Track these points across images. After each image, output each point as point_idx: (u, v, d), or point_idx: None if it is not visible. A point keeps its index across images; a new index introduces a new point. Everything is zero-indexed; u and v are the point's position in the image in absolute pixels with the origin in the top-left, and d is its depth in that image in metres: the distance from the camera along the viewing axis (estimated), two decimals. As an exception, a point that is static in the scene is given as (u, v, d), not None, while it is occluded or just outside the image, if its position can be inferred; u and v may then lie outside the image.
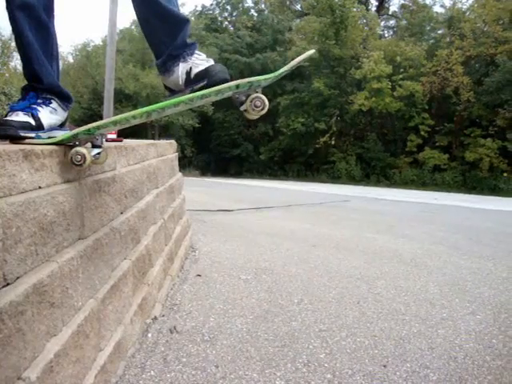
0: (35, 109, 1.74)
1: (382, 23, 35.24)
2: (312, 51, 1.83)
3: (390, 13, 35.88)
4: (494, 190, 22.41)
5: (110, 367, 1.68)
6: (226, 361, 1.98)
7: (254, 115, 1.57)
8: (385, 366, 2.02)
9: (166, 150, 3.84)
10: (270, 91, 31.03)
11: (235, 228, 5.52)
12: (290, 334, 2.33)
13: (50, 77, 1.83)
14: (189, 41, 1.89)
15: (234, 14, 40.96)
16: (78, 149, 1.52)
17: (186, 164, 29.08)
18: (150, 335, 2.20)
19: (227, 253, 4.12)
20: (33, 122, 1.68)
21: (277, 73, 1.62)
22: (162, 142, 3.87)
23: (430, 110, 25.90)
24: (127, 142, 2.92)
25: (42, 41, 1.78)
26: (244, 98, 1.57)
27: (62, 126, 1.89)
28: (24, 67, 1.82)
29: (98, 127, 1.62)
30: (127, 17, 37.88)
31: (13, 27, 1.75)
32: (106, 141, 2.95)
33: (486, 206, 12.62)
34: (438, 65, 25.01)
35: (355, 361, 2.06)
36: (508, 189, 22.51)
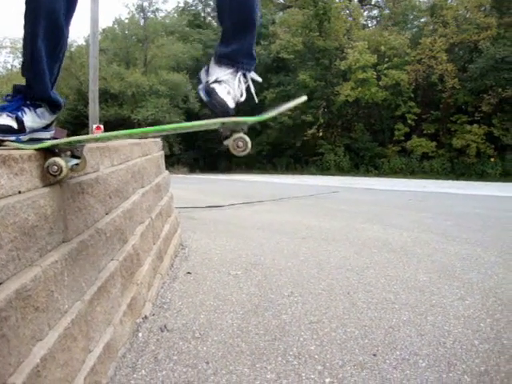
0: (21, 111, 1.71)
1: (365, 13, 35.27)
2: (304, 98, 1.80)
3: (372, 2, 35.88)
4: (482, 176, 22.60)
5: (100, 368, 1.67)
6: (217, 357, 1.99)
7: (235, 153, 1.56)
8: (375, 355, 2.04)
9: (151, 149, 3.83)
10: (257, 85, 30.90)
11: (225, 224, 5.52)
12: (281, 328, 2.34)
13: (43, 85, 1.77)
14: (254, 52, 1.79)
15: (218, 9, 40.74)
16: (56, 159, 1.51)
17: (174, 162, 28.95)
18: (140, 335, 2.20)
19: (217, 249, 4.12)
20: (15, 126, 1.66)
21: (264, 117, 1.61)
22: (147, 140, 3.85)
23: (415, 98, 26.00)
24: (111, 142, 2.91)
25: (53, 42, 1.73)
26: (229, 133, 1.57)
27: (47, 127, 1.86)
28: (22, 66, 1.77)
29: (80, 141, 1.61)
30: (109, 16, 37.52)
31: (27, 26, 1.69)
32: (89, 142, 2.94)
33: (474, 191, 12.73)
34: (422, 53, 25.09)
35: (345, 351, 2.07)
36: (495, 174, 22.71)
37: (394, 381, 1.81)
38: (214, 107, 1.63)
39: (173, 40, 31.44)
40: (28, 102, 1.74)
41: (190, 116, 30.80)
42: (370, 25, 34.96)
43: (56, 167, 1.50)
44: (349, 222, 5.90)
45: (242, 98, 1.72)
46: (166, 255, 3.47)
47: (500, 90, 22.51)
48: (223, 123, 1.56)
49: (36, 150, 1.52)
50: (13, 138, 1.61)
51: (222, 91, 1.65)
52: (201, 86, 1.72)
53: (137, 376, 1.80)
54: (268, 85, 29.43)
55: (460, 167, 23.95)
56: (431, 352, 2.08)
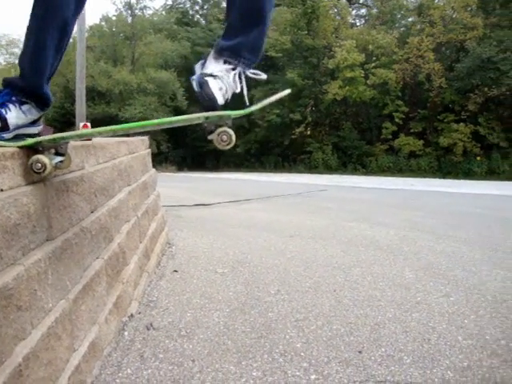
0: (6, 107, 1.67)
1: (354, 12, 35.37)
2: (287, 91, 1.82)
3: (360, 1, 35.99)
4: (469, 174, 22.80)
5: (85, 367, 1.67)
6: (203, 355, 1.99)
7: (220, 147, 1.57)
8: (360, 352, 2.05)
9: (138, 147, 3.82)
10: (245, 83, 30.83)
11: (212, 222, 5.51)
12: (267, 325, 2.34)
13: (40, 80, 1.72)
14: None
15: (206, 7, 40.67)
16: (39, 157, 1.50)
17: (162, 160, 28.85)
18: (126, 333, 2.19)
19: (204, 247, 4.11)
20: None
21: (248, 110, 1.61)
22: (134, 138, 3.84)
23: (403, 97, 26.16)
24: (96, 140, 2.89)
25: (60, 38, 1.67)
26: (213, 128, 1.57)
27: (35, 122, 1.81)
28: (22, 57, 1.70)
29: (63, 137, 1.59)
30: (96, 12, 37.29)
31: (34, 19, 1.63)
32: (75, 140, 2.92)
33: (460, 190, 12.84)
34: (410, 52, 25.24)
35: (331, 348, 2.09)
36: (481, 172, 22.93)
37: (378, 377, 1.82)
38: (203, 99, 1.61)
39: (161, 38, 31.29)
40: (14, 98, 1.69)
41: (178, 114, 30.71)
42: (358, 24, 35.08)
43: (40, 164, 1.49)
44: (336, 220, 5.92)
45: (237, 91, 1.69)
46: (153, 253, 3.46)
47: (486, 89, 22.72)
48: (207, 117, 1.56)
49: (19, 147, 1.51)
50: None
51: (214, 86, 1.62)
52: (195, 77, 1.68)
53: (122, 375, 1.79)
54: (256, 83, 29.36)
55: (447, 165, 24.13)
56: (416, 348, 2.10)
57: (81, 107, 11.50)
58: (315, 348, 2.08)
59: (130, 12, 32.62)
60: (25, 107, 1.72)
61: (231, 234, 4.77)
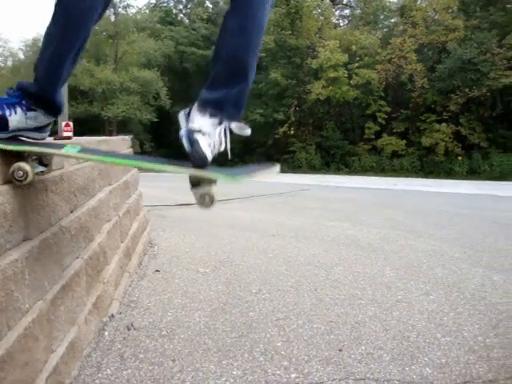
0: (12, 108, 1.63)
1: (337, 12, 35.53)
2: (277, 168, 1.81)
3: (344, 2, 36.18)
4: (450, 174, 23.08)
5: (64, 368, 1.65)
6: (184, 354, 1.98)
7: (199, 207, 1.64)
8: (340, 350, 2.07)
9: (119, 147, 3.79)
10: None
11: (195, 221, 5.50)
12: (248, 325, 2.35)
13: (54, 88, 1.68)
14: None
15: (189, 6, 40.53)
16: (21, 164, 1.48)
17: (145, 159, 28.69)
18: (106, 333, 2.18)
19: (186, 247, 4.10)
20: None
21: (236, 180, 1.61)
22: (115, 138, 3.82)
23: (386, 97, 26.37)
24: (77, 139, 2.87)
25: (79, 45, 1.63)
26: (196, 183, 1.63)
27: (41, 128, 1.75)
28: (38, 62, 1.66)
29: (53, 154, 1.58)
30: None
31: (54, 27, 1.59)
32: (55, 139, 2.90)
33: (442, 189, 12.99)
34: (393, 53, 25.45)
35: (311, 347, 2.10)
36: (463, 172, 23.23)
37: (358, 375, 1.84)
38: (194, 158, 1.60)
39: (144, 37, 31.10)
40: (23, 102, 1.65)
41: (162, 114, 30.56)
42: (341, 24, 35.25)
43: (21, 172, 1.47)
44: (319, 219, 5.95)
45: (222, 148, 1.67)
46: (135, 253, 3.44)
47: (467, 90, 23.01)
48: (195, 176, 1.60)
49: (2, 150, 1.48)
50: None
51: (204, 144, 1.60)
52: (183, 132, 1.66)
53: (102, 375, 1.78)
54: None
55: (429, 165, 24.39)
56: (395, 346, 2.12)
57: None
58: (296, 347, 2.09)
59: (113, 10, 32.32)
60: (31, 114, 1.68)
61: (213, 234, 4.77)
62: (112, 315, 2.39)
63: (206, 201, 1.59)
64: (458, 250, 4.24)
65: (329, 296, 2.82)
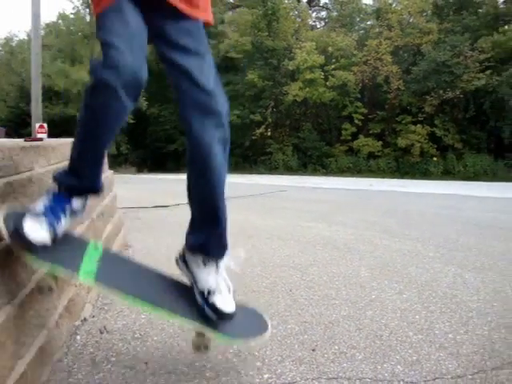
0: (59, 219, 1.59)
1: (314, 14, 35.83)
2: (268, 334, 1.91)
3: (320, 4, 36.45)
4: (426, 174, 23.45)
5: (32, 374, 1.62)
6: (157, 357, 1.97)
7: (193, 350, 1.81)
8: (313, 350, 2.08)
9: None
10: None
11: (171, 223, 5.47)
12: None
13: (97, 181, 1.73)
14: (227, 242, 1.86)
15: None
16: None
17: (121, 161, 28.45)
18: (78, 337, 2.15)
19: (162, 249, 4.07)
20: (48, 242, 1.54)
21: (237, 342, 1.83)
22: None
23: (362, 98, 26.66)
24: (48, 141, 2.83)
25: (116, 127, 1.63)
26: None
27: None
28: (78, 162, 1.67)
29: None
30: (53, 10, 36.43)
31: (84, 134, 1.63)
32: (25, 140, 2.85)
33: (417, 189, 13.18)
34: (369, 54, 25.77)
35: (285, 347, 2.10)
36: (437, 172, 23.61)
37: (330, 374, 1.85)
38: (212, 315, 1.72)
39: (120, 37, 30.89)
40: (68, 200, 1.65)
41: (138, 116, 30.31)
42: (318, 26, 35.53)
43: None
44: (295, 220, 5.97)
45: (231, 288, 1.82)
46: (109, 256, 3.40)
47: (441, 92, 23.44)
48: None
49: None
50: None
51: (222, 300, 1.74)
52: (200, 301, 1.76)
53: (72, 380, 1.76)
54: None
55: (405, 166, 24.73)
56: (368, 345, 2.15)
57: (36, 107, 11.19)
58: (269, 347, 2.09)
59: (87, 10, 32.01)
60: (77, 205, 1.69)
61: (190, 236, 4.74)
62: (85, 318, 2.36)
63: (201, 350, 1.77)
64: (432, 250, 4.31)
65: (303, 297, 2.84)
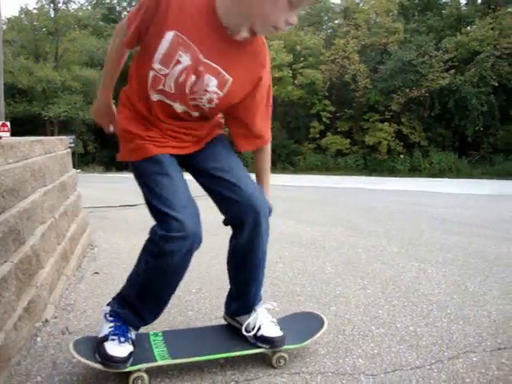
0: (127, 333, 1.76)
1: (282, 13, 35.89)
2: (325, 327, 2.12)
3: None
4: (393, 171, 23.83)
5: (-12, 377, 1.59)
6: (119, 356, 1.95)
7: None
8: (277, 346, 2.09)
9: (56, 147, 3.68)
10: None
11: (138, 223, 5.42)
12: (186, 324, 2.34)
13: (157, 316, 1.87)
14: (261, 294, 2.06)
15: (133, 3, 39.81)
16: None
17: (89, 160, 27.98)
18: (39, 339, 2.11)
19: (128, 248, 4.04)
20: (130, 351, 1.71)
21: (302, 344, 1.98)
22: (51, 138, 3.70)
23: (330, 97, 26.89)
24: (6, 139, 2.77)
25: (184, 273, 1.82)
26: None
27: None
28: (142, 307, 1.79)
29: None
30: (14, 4, 35.55)
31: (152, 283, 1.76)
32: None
33: (384, 186, 13.40)
34: (336, 53, 26.01)
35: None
36: (404, 169, 24.02)
37: (293, 369, 1.87)
38: (279, 345, 1.89)
39: (86, 34, 30.32)
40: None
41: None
42: (286, 25, 35.68)
43: None
44: (263, 218, 5.97)
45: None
46: (73, 256, 3.36)
47: (407, 90, 23.84)
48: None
49: None
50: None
51: (273, 330, 1.91)
52: (252, 341, 1.92)
53: (31, 383, 1.73)
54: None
55: (372, 163, 25.07)
56: (331, 340, 2.17)
57: (-2, 105, 10.95)
58: (233, 344, 2.10)
59: (52, 6, 31.36)
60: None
61: (157, 234, 4.71)
62: (46, 320, 2.32)
63: (280, 362, 1.90)
64: (397, 245, 4.39)
65: (268, 293, 2.85)
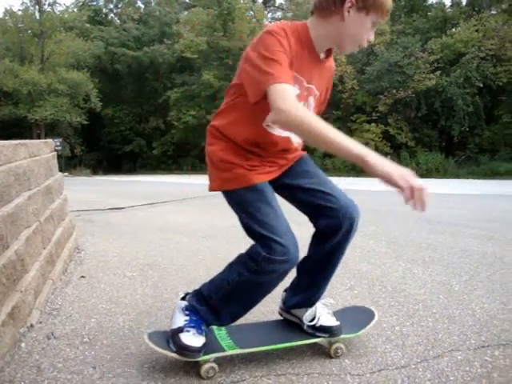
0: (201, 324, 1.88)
1: (269, 15, 36.01)
2: (376, 318, 2.23)
3: (276, 5, 36.68)
4: (380, 172, 23.90)
5: (-28, 384, 1.58)
6: (105, 360, 1.94)
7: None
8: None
9: (41, 150, 3.65)
10: (160, 85, 30.52)
11: (125, 226, 5.40)
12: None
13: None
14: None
15: (120, 5, 39.70)
16: None
17: (76, 163, 27.79)
18: (23, 345, 2.09)
19: (114, 251, 4.02)
20: (204, 343, 1.83)
21: (358, 333, 2.10)
22: (36, 141, 3.67)
23: (318, 98, 26.96)
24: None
25: None
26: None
27: None
28: (224, 310, 1.90)
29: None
30: (-1, 6, 35.24)
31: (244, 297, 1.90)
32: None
33: (372, 188, 13.42)
34: (323, 54, 26.05)
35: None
36: (392, 170, 24.13)
37: (279, 370, 1.87)
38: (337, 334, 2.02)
39: (72, 36, 30.11)
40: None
41: (92, 116, 29.70)
42: (273, 26, 35.73)
43: None
44: (251, 219, 5.98)
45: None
46: (59, 260, 3.33)
47: (394, 91, 23.98)
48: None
49: None
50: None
51: (330, 320, 2.05)
52: (310, 331, 2.03)
53: (15, 389, 1.72)
54: (172, 84, 29.11)
55: (360, 164, 25.14)
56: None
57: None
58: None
59: (37, 7, 31.09)
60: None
61: (143, 238, 4.70)
62: (31, 325, 2.30)
63: (338, 353, 2.00)
64: (384, 246, 4.41)
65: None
